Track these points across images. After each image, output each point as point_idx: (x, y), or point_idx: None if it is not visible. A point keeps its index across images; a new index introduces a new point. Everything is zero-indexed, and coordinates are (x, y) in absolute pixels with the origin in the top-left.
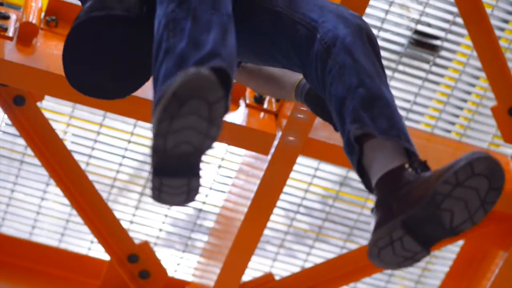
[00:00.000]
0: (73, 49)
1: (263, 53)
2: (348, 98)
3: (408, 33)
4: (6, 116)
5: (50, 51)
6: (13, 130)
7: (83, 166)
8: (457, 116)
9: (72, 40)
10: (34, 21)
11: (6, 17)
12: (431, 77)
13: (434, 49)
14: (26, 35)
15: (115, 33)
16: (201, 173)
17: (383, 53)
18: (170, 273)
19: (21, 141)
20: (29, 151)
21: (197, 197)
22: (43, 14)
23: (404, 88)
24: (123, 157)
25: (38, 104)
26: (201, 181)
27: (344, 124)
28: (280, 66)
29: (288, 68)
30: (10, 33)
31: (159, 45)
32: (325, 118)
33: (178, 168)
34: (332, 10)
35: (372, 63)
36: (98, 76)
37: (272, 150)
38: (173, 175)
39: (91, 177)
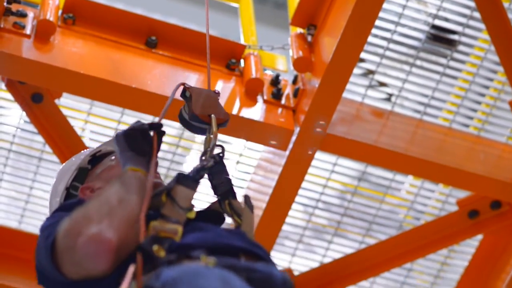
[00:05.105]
0: None
1: None
2: None
3: (426, 28)
4: (24, 113)
5: (68, 49)
6: (31, 127)
7: None
8: (475, 110)
9: None
10: (51, 19)
11: (24, 15)
12: (449, 71)
13: (451, 43)
14: (43, 32)
15: None
16: None
17: (400, 48)
18: None
19: (40, 138)
20: (48, 148)
21: None
22: (60, 11)
23: (422, 83)
24: None
25: (56, 101)
26: None
27: None
28: None
29: None
30: (28, 30)
31: None
32: None
33: None
34: None
35: None
36: None
37: (290, 145)
38: None
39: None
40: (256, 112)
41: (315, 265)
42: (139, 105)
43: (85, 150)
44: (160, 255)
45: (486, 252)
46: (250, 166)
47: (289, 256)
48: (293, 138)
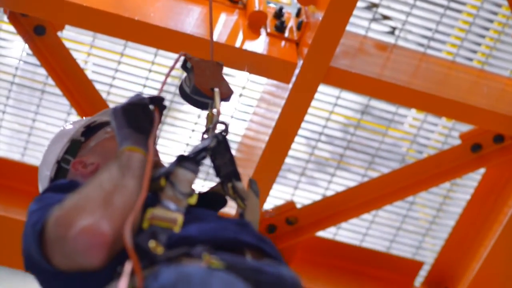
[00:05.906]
0: None
1: None
2: None
3: None
4: (27, 45)
5: None
6: (34, 60)
7: (104, 95)
8: (479, 44)
9: None
10: None
11: None
12: (452, 5)
13: None
14: None
15: None
16: None
17: None
18: None
19: (42, 70)
20: (50, 81)
21: None
22: None
23: (426, 16)
24: (144, 86)
25: (59, 33)
26: None
27: None
28: None
29: None
30: None
31: None
32: None
33: None
34: None
35: None
36: None
37: (293, 78)
38: None
39: (112, 106)
40: (259, 45)
41: (318, 198)
42: (141, 38)
43: (81, 119)
44: (158, 252)
45: (489, 186)
46: (253, 99)
47: (291, 189)
48: (296, 71)
